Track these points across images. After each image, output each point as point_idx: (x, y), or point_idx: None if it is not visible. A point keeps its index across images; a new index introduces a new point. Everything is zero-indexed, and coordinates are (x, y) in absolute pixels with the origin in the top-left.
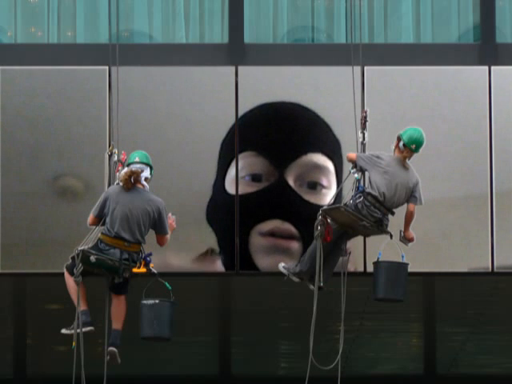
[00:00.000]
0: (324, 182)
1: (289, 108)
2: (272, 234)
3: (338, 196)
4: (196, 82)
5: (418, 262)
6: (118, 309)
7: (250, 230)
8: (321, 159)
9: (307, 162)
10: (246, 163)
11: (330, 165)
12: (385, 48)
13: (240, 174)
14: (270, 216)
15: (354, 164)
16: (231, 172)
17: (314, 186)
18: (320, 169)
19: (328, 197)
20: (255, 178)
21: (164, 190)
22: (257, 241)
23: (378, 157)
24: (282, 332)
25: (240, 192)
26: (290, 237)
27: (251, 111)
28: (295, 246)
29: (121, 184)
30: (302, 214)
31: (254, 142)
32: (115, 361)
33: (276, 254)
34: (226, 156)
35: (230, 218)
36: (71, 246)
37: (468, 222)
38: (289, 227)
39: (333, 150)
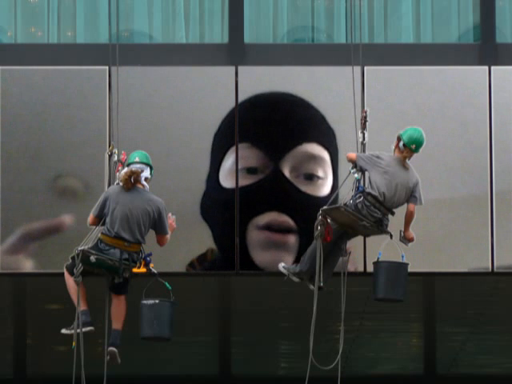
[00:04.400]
0: (320, 172)
1: (282, 98)
2: (269, 227)
3: (338, 195)
4: (196, 82)
5: (418, 261)
6: (117, 309)
7: (246, 224)
8: (316, 149)
9: (303, 153)
10: (240, 155)
11: (325, 155)
12: (385, 48)
13: (234, 166)
14: (267, 208)
15: (354, 164)
16: (225, 165)
17: (311, 177)
18: (316, 159)
19: (324, 187)
20: (250, 170)
21: (164, 190)
22: (254, 235)
23: (378, 157)
24: (282, 332)
25: (234, 184)
26: (288, 230)
27: (244, 102)
28: (292, 240)
29: (121, 184)
30: (298, 205)
31: (247, 133)
32: (115, 361)
33: (273, 248)
34: (219, 149)
35: (226, 212)
36: (71, 246)
37: (468, 222)
38: (286, 219)
39: (328, 140)
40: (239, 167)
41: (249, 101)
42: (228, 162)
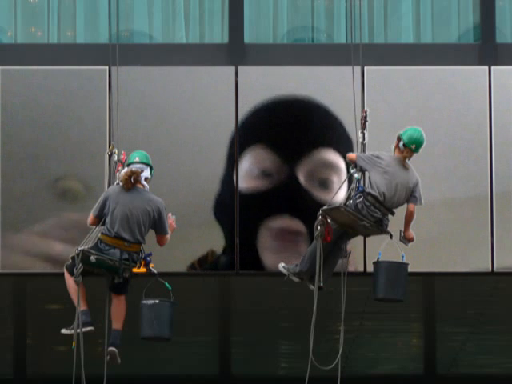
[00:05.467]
0: (335, 179)
1: (301, 103)
2: (281, 232)
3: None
4: (196, 82)
5: (418, 262)
6: (117, 309)
7: (258, 227)
8: (332, 156)
9: (319, 159)
10: (255, 158)
11: (341, 162)
12: (385, 48)
13: (249, 169)
14: (280, 213)
15: (354, 164)
16: (241, 167)
17: (325, 184)
18: (331, 166)
19: (338, 195)
20: (265, 173)
21: (164, 190)
22: (265, 239)
23: (378, 157)
24: (282, 332)
25: (249, 187)
26: (299, 235)
27: (262, 104)
28: (303, 245)
29: (121, 184)
30: (311, 212)
31: (264, 136)
32: (115, 361)
33: (284, 253)
34: (233, 153)
35: (240, 214)
36: (71, 246)
37: (468, 222)
38: (298, 225)
39: (345, 147)
40: (254, 169)
41: (267, 103)
42: (244, 164)
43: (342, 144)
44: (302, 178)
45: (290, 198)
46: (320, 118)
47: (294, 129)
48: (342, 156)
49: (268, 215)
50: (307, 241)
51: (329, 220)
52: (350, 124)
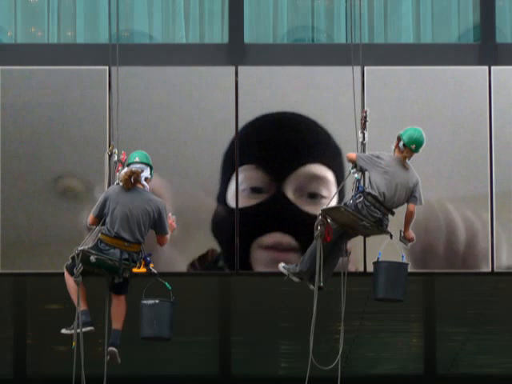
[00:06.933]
0: (324, 192)
1: (288, 118)
2: (273, 248)
3: (340, 196)
4: (196, 82)
5: (418, 262)
6: (117, 309)
7: (250, 244)
8: (320, 170)
9: (306, 173)
10: (245, 177)
11: (329, 175)
12: (385, 48)
13: (240, 187)
14: (271, 229)
15: (354, 164)
16: (232, 186)
17: (314, 197)
18: (319, 179)
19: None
20: (255, 190)
21: (164, 190)
22: (258, 254)
23: (378, 157)
24: (282, 332)
25: (240, 205)
26: (291, 251)
27: (250, 123)
28: (296, 259)
29: (121, 184)
30: (302, 226)
31: (252, 155)
32: (115, 361)
33: (277, 265)
34: (228, 169)
35: (232, 231)
36: (71, 245)
37: (468, 223)
38: (290, 241)
39: (332, 159)
40: (244, 188)
41: (254, 121)
42: (235, 182)
43: (330, 156)
44: (290, 194)
45: (280, 214)
46: (307, 131)
47: (280, 145)
48: (329, 168)
49: (259, 232)
50: (300, 255)
51: (329, 220)
52: (348, 124)
